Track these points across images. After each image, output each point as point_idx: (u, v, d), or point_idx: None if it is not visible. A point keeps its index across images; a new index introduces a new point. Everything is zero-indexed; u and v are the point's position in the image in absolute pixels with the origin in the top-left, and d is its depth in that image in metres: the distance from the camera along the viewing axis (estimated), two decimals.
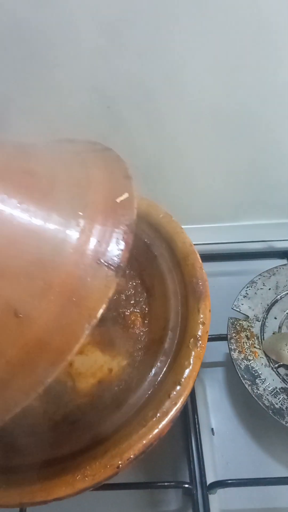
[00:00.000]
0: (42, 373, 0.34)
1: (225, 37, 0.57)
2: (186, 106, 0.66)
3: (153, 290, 0.62)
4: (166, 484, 0.54)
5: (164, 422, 0.46)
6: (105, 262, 0.36)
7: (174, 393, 0.48)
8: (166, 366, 0.52)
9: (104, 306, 0.35)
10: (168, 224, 0.64)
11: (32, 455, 0.47)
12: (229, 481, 0.53)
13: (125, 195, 0.41)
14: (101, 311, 0.35)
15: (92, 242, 0.37)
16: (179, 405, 0.47)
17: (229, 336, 0.63)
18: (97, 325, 0.60)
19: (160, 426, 0.46)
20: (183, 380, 0.49)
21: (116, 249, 0.37)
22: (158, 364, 0.52)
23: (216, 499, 0.55)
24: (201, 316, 0.54)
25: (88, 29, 0.56)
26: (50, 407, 0.52)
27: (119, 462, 0.44)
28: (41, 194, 0.39)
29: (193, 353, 0.51)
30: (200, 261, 0.59)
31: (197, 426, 0.59)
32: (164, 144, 0.69)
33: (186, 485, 0.53)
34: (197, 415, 0.61)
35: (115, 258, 0.37)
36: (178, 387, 0.48)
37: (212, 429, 0.62)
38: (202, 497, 0.53)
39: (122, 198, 0.41)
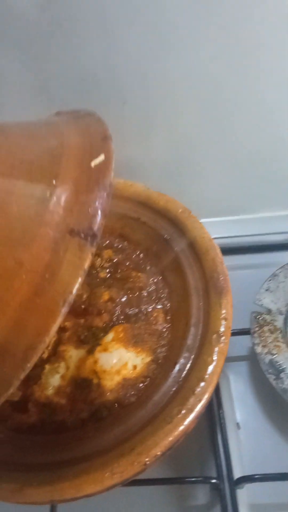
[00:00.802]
0: (20, 359, 0.32)
1: (232, 25, 0.56)
2: (202, 97, 0.65)
3: (174, 286, 0.62)
4: (193, 479, 0.55)
5: (189, 419, 0.47)
6: (78, 232, 0.34)
7: (199, 389, 0.48)
8: (190, 362, 0.52)
9: (79, 280, 0.33)
10: (187, 219, 0.63)
11: (60, 452, 0.48)
12: (256, 476, 0.53)
13: (101, 158, 0.38)
14: (76, 285, 0.32)
15: (64, 213, 0.34)
16: (204, 401, 0.48)
17: (252, 331, 0.63)
18: (120, 321, 0.62)
19: (186, 422, 0.46)
20: (207, 376, 0.49)
21: (89, 216, 0.34)
22: (182, 360, 0.52)
23: (244, 494, 0.55)
24: (223, 311, 0.54)
25: (101, 17, 0.56)
26: (77, 405, 0.53)
27: (146, 459, 0.44)
28: (7, 168, 0.37)
29: (216, 349, 0.51)
30: (221, 256, 0.59)
31: (222, 420, 0.59)
32: (180, 138, 0.68)
33: (214, 481, 0.53)
34: (222, 410, 0.61)
35: (89, 227, 0.34)
36: (202, 383, 0.49)
37: (238, 423, 0.62)
38: (230, 492, 0.54)
39: (97, 161, 0.38)
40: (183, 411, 0.47)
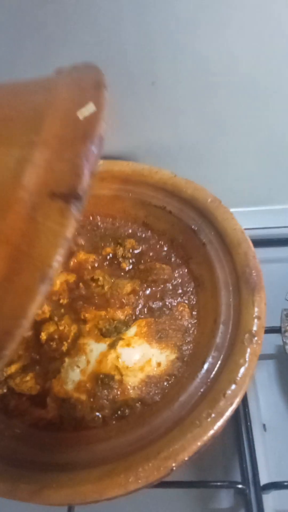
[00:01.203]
0: None
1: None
2: (237, 81, 0.60)
3: (201, 280, 0.58)
4: (219, 484, 0.52)
5: (219, 423, 0.44)
6: (60, 194, 0.29)
7: (229, 392, 0.45)
8: (219, 362, 0.49)
9: (59, 250, 0.28)
10: (216, 209, 0.60)
11: (81, 451, 0.46)
12: (285, 483, 0.50)
13: (90, 108, 0.32)
14: (56, 257, 0.28)
15: (44, 173, 0.30)
16: (234, 405, 0.45)
17: (282, 329, 0.60)
18: (143, 315, 0.59)
19: (216, 427, 0.43)
20: (238, 378, 0.46)
21: (73, 175, 0.29)
22: (210, 359, 0.49)
23: (270, 499, 0.52)
24: (256, 309, 0.50)
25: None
26: (98, 401, 0.50)
27: (173, 464, 0.42)
28: None
29: (248, 350, 0.47)
30: (253, 250, 0.55)
31: (248, 421, 0.57)
32: (211, 123, 0.64)
33: (240, 486, 0.51)
34: (248, 410, 0.58)
35: (72, 187, 0.29)
36: (233, 386, 0.46)
37: (264, 424, 0.59)
38: (256, 497, 0.51)
39: (85, 112, 0.32)
40: (213, 415, 0.44)
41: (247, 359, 0.47)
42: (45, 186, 0.29)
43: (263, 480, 0.52)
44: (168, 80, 0.60)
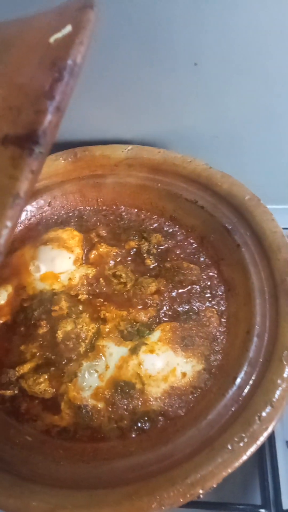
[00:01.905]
0: None
1: None
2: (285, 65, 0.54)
3: (233, 284, 0.54)
4: (240, 507, 0.49)
5: (252, 449, 0.40)
6: (13, 137, 0.23)
7: (265, 414, 0.41)
8: (253, 379, 0.45)
9: (9, 213, 0.22)
10: (255, 208, 0.55)
11: (97, 467, 0.42)
12: None
13: (66, 30, 0.25)
14: (5, 221, 0.22)
15: None
16: (270, 429, 0.41)
17: None
18: (168, 318, 0.55)
19: (248, 453, 0.40)
20: (275, 400, 0.42)
21: (31, 112, 0.23)
22: (243, 375, 0.45)
23: None
24: None
25: None
26: (117, 411, 0.47)
27: (201, 491, 0.38)
28: None
29: (287, 369, 0.43)
30: None
31: (271, 438, 0.53)
32: (254, 110, 0.58)
33: (262, 510, 0.48)
34: None
35: (30, 129, 0.23)
36: (269, 408, 0.41)
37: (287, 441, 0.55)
38: None
39: (59, 35, 0.25)
40: (246, 439, 0.40)
41: (285, 379, 0.43)
42: None
43: (286, 503, 0.49)
44: (211, 62, 0.54)
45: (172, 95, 0.59)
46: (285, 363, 0.44)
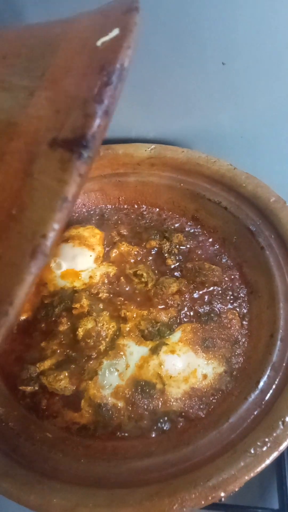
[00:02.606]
0: None
1: None
2: None
3: (256, 287, 0.53)
4: (258, 511, 0.48)
5: (275, 454, 0.39)
6: (62, 141, 0.22)
7: None
8: (276, 383, 0.44)
9: (57, 215, 0.21)
10: (280, 210, 0.54)
11: (118, 466, 0.42)
12: None
13: (114, 33, 0.25)
14: (52, 224, 0.21)
15: (47, 115, 0.23)
16: None
17: None
18: (189, 319, 0.54)
19: (271, 457, 0.39)
20: None
21: (80, 116, 0.23)
22: (266, 379, 0.45)
23: None
24: None
25: None
26: (137, 410, 0.46)
27: (223, 494, 0.38)
28: None
29: None
30: None
31: None
32: (281, 112, 0.58)
33: None
34: None
35: (79, 132, 0.22)
36: None
37: None
38: None
39: (106, 38, 0.25)
40: (269, 444, 0.40)
41: None
42: (45, 132, 0.23)
43: None
44: (240, 61, 0.53)
45: (198, 94, 0.58)
46: None
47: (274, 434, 0.40)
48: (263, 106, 0.58)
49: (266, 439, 0.40)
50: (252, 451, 0.39)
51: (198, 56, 0.54)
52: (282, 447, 0.40)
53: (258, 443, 0.40)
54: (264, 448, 0.39)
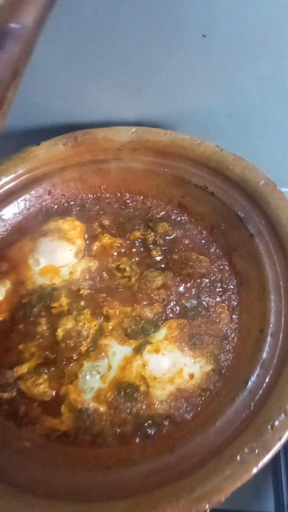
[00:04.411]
0: None
1: None
2: None
3: (245, 277, 0.50)
4: None
5: (264, 460, 0.37)
6: None
7: (278, 423, 0.38)
8: (266, 383, 0.41)
9: None
10: (270, 194, 0.50)
11: (98, 476, 0.40)
12: None
13: None
14: None
15: None
16: (283, 439, 0.37)
17: None
18: (175, 315, 0.51)
19: (260, 464, 0.36)
20: None
21: None
22: (254, 378, 0.42)
23: None
24: None
25: None
26: (120, 415, 0.44)
27: (207, 506, 0.35)
28: None
29: None
30: None
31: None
32: (270, 87, 0.53)
33: None
34: None
35: None
36: (282, 416, 0.38)
37: None
38: None
39: None
40: (257, 450, 0.37)
41: None
42: None
43: None
44: (222, 32, 0.48)
45: (179, 71, 0.54)
46: None
47: (263, 439, 0.37)
48: (252, 82, 0.54)
49: (254, 445, 0.37)
50: (239, 458, 0.37)
51: (177, 29, 0.49)
52: (270, 454, 0.37)
53: (246, 450, 0.37)
54: (252, 455, 0.37)
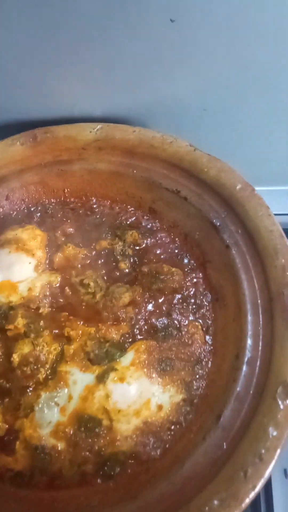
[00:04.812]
0: None
1: None
2: (280, 20, 0.42)
3: (221, 293, 0.45)
4: None
5: None
6: None
7: (251, 470, 0.33)
8: (240, 418, 0.37)
9: None
10: (247, 200, 0.45)
11: None
12: None
13: None
14: None
15: None
16: (258, 489, 0.33)
17: None
18: (143, 336, 0.46)
19: None
20: (263, 451, 0.34)
21: None
22: (228, 412, 0.37)
23: None
24: None
25: None
26: (80, 452, 0.39)
27: None
28: None
29: (281, 409, 0.35)
30: None
31: (270, 490, 0.46)
32: (247, 74, 0.47)
33: None
34: None
35: None
36: (257, 461, 0.34)
37: (286, 470, 0.48)
38: None
39: None
40: (228, 501, 0.33)
41: (278, 424, 0.35)
42: None
43: None
44: (191, 16, 0.42)
45: (147, 60, 0.48)
46: (279, 401, 0.35)
47: (234, 489, 0.33)
48: (228, 71, 0.48)
49: (224, 495, 0.33)
50: (208, 511, 0.32)
51: (142, 13, 0.43)
52: (243, 505, 0.32)
53: (215, 502, 0.33)
54: (222, 507, 0.32)
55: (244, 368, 0.39)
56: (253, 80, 0.47)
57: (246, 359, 0.39)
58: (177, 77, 0.49)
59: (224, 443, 0.36)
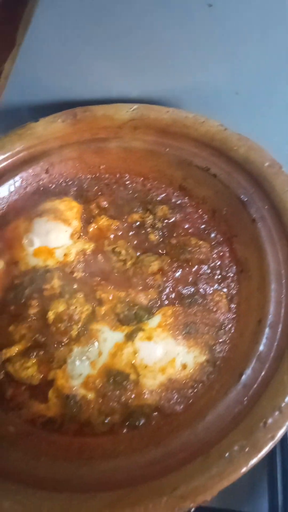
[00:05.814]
0: None
1: None
2: None
3: (246, 265, 0.47)
4: None
5: (254, 460, 0.35)
6: None
7: (271, 421, 0.36)
8: (261, 377, 0.39)
9: None
10: (275, 177, 0.47)
11: (81, 466, 0.38)
12: None
13: None
14: None
15: None
16: (276, 439, 0.35)
17: None
18: (170, 302, 0.49)
19: (250, 464, 0.34)
20: (284, 405, 0.36)
21: None
22: (250, 372, 0.39)
23: None
24: None
25: None
26: (108, 403, 0.42)
27: (191, 504, 0.34)
28: None
29: None
30: None
31: (284, 442, 0.47)
32: (280, 60, 0.49)
33: None
34: None
35: None
36: (276, 414, 0.36)
37: None
38: None
39: None
40: (247, 448, 0.35)
41: None
42: None
43: None
44: (229, 1, 0.45)
45: (183, 44, 0.50)
46: None
47: (254, 437, 0.35)
48: (262, 56, 0.50)
49: (245, 442, 0.35)
50: (227, 456, 0.35)
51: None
52: (261, 453, 0.35)
53: (235, 448, 0.35)
54: (241, 454, 0.35)
55: (267, 330, 0.41)
56: (286, 65, 0.49)
57: (268, 323, 0.41)
58: (211, 61, 0.52)
59: (245, 399, 0.38)
